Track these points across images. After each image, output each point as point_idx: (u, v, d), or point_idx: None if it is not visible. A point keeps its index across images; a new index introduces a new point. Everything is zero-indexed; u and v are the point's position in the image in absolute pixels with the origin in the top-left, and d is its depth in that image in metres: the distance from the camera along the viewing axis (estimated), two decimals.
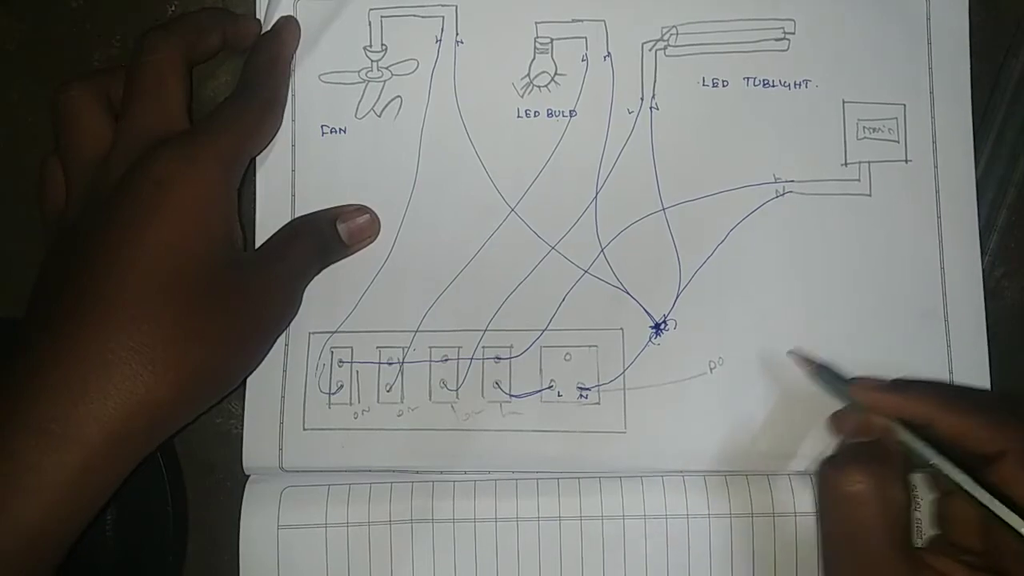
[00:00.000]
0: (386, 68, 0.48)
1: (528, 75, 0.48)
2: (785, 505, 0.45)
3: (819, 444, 0.45)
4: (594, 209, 0.47)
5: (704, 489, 0.45)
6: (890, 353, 0.46)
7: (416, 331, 0.47)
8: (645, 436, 0.46)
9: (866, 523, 0.37)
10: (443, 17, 0.48)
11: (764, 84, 0.48)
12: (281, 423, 0.46)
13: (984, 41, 0.48)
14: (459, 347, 0.47)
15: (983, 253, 0.47)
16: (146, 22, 0.50)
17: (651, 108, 0.48)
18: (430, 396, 0.46)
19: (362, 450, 0.46)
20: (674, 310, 0.47)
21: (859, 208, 0.47)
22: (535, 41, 0.48)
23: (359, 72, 0.48)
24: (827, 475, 0.39)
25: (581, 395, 0.46)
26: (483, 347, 0.47)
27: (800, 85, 0.48)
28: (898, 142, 0.48)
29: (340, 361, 0.47)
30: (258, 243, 0.47)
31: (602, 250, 0.47)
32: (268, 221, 0.47)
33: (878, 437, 0.40)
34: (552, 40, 0.48)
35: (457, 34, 0.48)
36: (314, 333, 0.47)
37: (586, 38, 0.48)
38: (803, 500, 0.45)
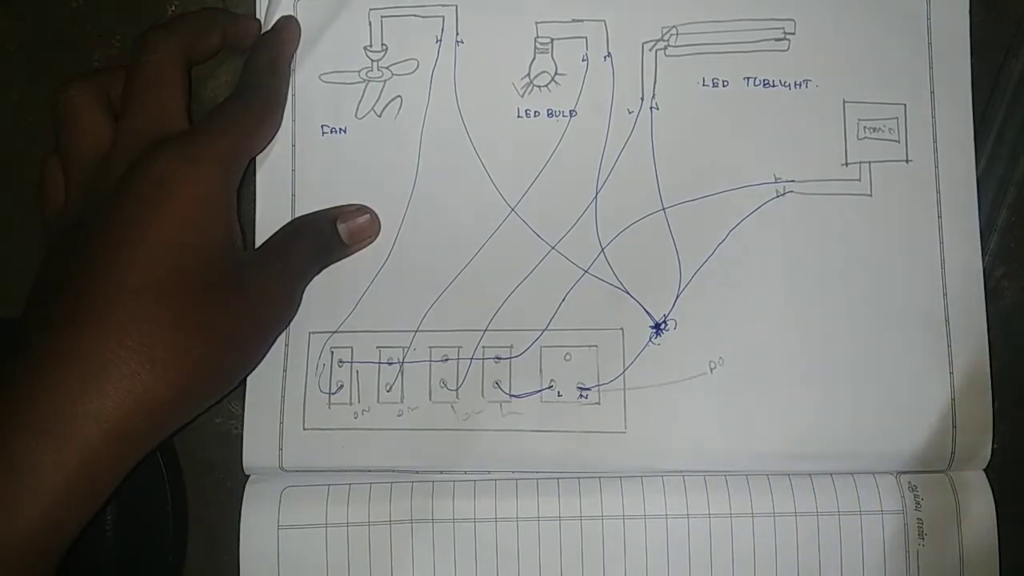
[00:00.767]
0: (386, 68, 0.48)
1: (528, 75, 0.48)
2: (785, 505, 0.45)
3: (819, 445, 0.45)
4: (594, 209, 0.47)
5: (704, 489, 0.45)
6: (890, 353, 0.46)
7: (416, 331, 0.47)
8: (645, 436, 0.46)
9: None
10: (443, 17, 0.48)
11: (764, 84, 0.48)
12: (281, 423, 0.46)
13: (984, 41, 0.49)
14: (459, 347, 0.47)
15: (983, 253, 0.47)
16: (146, 22, 0.50)
17: (651, 108, 0.48)
18: (430, 396, 0.47)
19: (362, 450, 0.46)
20: (674, 310, 0.47)
21: (860, 208, 0.47)
22: (535, 41, 0.48)
23: (359, 72, 0.48)
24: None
25: (581, 395, 0.46)
26: (483, 347, 0.47)
27: (800, 85, 0.48)
28: (899, 142, 0.48)
29: (340, 361, 0.47)
30: (258, 243, 0.47)
31: (602, 250, 0.47)
32: (268, 221, 0.47)
33: None
34: (552, 40, 0.48)
35: (457, 34, 0.48)
36: (314, 333, 0.47)
37: (586, 38, 0.48)
38: (803, 500, 0.45)
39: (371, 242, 0.47)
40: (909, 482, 0.46)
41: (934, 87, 0.48)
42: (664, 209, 0.47)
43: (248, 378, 0.46)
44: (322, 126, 0.48)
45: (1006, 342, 0.47)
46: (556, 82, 0.48)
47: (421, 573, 0.45)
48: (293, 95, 0.48)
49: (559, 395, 0.47)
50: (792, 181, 0.47)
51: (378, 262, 0.47)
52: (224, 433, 0.48)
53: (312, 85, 0.48)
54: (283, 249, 0.45)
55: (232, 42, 0.47)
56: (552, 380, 0.47)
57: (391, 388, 0.47)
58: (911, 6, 0.48)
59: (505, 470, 0.46)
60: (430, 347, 0.47)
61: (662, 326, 0.47)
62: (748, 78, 0.48)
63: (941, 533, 0.45)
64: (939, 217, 0.47)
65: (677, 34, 0.48)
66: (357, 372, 0.47)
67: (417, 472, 0.46)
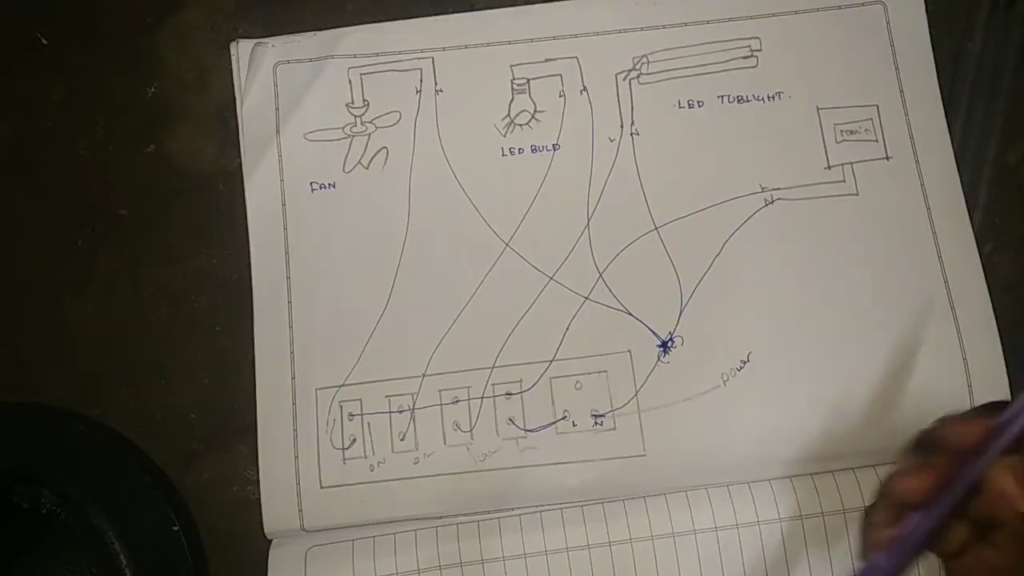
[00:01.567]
0: (369, 122, 0.49)
1: (508, 115, 0.50)
2: (811, 506, 0.45)
3: (839, 444, 0.45)
4: (588, 236, 0.48)
5: (730, 500, 0.45)
6: (900, 345, 0.47)
7: (423, 376, 0.47)
8: (666, 455, 0.46)
9: None
10: (420, 69, 0.50)
11: (738, 100, 0.50)
12: (298, 483, 0.46)
13: (940, 29, 0.50)
14: (468, 387, 0.47)
15: None
16: (127, 108, 0.51)
17: (632, 134, 0.49)
18: (444, 440, 0.46)
19: (382, 502, 0.46)
20: (679, 327, 0.47)
21: (849, 208, 0.48)
22: (512, 83, 0.50)
23: (343, 128, 0.49)
24: None
25: (596, 422, 0.46)
26: (492, 384, 0.47)
27: (773, 98, 0.50)
28: (876, 141, 0.49)
29: (350, 415, 0.47)
30: (256, 303, 0.48)
31: (600, 275, 0.48)
32: (264, 281, 0.48)
33: None
34: (528, 80, 0.50)
35: (436, 83, 0.50)
36: (320, 389, 0.47)
37: (561, 75, 0.50)
38: (829, 499, 0.45)
39: None
40: None
41: (903, 85, 0.50)
42: (657, 228, 0.48)
43: (260, 441, 0.46)
44: (311, 183, 0.49)
45: (1006, 316, 0.48)
46: (536, 119, 0.49)
47: None
48: (280, 155, 0.49)
49: (574, 425, 0.46)
50: (779, 189, 0.48)
51: (377, 311, 0.48)
52: (242, 500, 0.47)
53: (298, 144, 0.49)
54: None
55: None
56: (565, 410, 0.47)
57: (404, 436, 0.46)
58: (870, 12, 0.50)
59: (528, 506, 0.46)
60: (439, 390, 0.47)
61: (669, 344, 0.47)
62: (722, 96, 0.50)
63: None
64: (927, 207, 0.48)
65: (648, 62, 0.50)
66: (368, 424, 0.47)
67: (440, 517, 0.46)
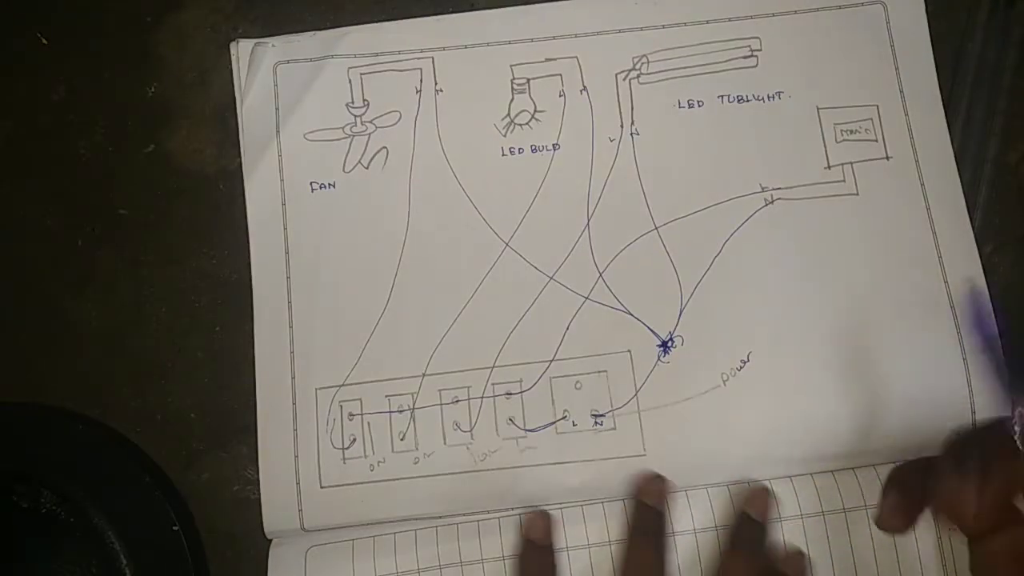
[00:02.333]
0: (369, 122, 0.49)
1: (508, 115, 0.49)
2: (812, 505, 0.44)
3: (840, 443, 0.45)
4: (588, 236, 0.48)
5: (730, 501, 0.45)
6: (901, 345, 0.47)
7: (423, 375, 0.47)
8: (666, 456, 0.46)
9: None
10: (420, 69, 0.50)
11: (738, 100, 0.49)
12: (298, 483, 0.46)
13: (940, 30, 0.50)
14: (468, 387, 0.47)
15: None
16: (128, 109, 0.51)
17: (632, 134, 0.49)
18: (444, 440, 0.46)
19: (382, 502, 0.46)
20: (679, 326, 0.47)
21: (849, 208, 0.48)
22: (512, 82, 0.50)
23: (343, 128, 0.49)
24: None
25: (596, 422, 0.46)
26: (492, 384, 0.47)
27: (773, 97, 0.49)
28: (876, 141, 0.49)
29: (350, 414, 0.47)
30: (256, 304, 0.47)
31: (600, 275, 0.47)
32: (264, 281, 0.48)
33: None
34: (528, 80, 0.50)
35: (436, 83, 0.50)
36: (320, 389, 0.47)
37: (561, 75, 0.50)
38: (829, 499, 0.44)
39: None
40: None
41: (902, 84, 0.49)
42: (657, 228, 0.48)
43: (259, 441, 0.46)
44: (311, 183, 0.49)
45: (1007, 315, 0.47)
46: (536, 119, 0.49)
47: None
48: (280, 155, 0.49)
49: (574, 424, 0.46)
50: (779, 189, 0.48)
51: (377, 311, 0.47)
52: (242, 500, 0.47)
53: (298, 144, 0.49)
54: None
55: None
56: (565, 410, 0.46)
57: (404, 436, 0.46)
58: (869, 11, 0.50)
59: (528, 506, 0.45)
60: (439, 390, 0.47)
61: (669, 344, 0.47)
62: (722, 96, 0.49)
63: None
64: (927, 207, 0.48)
65: (648, 62, 0.50)
66: (368, 424, 0.46)
67: (440, 517, 0.45)
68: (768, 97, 0.49)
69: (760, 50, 0.50)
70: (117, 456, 0.46)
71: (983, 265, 0.48)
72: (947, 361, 0.47)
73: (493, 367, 0.47)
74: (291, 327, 0.47)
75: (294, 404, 0.47)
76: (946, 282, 0.47)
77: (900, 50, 0.50)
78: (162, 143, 0.51)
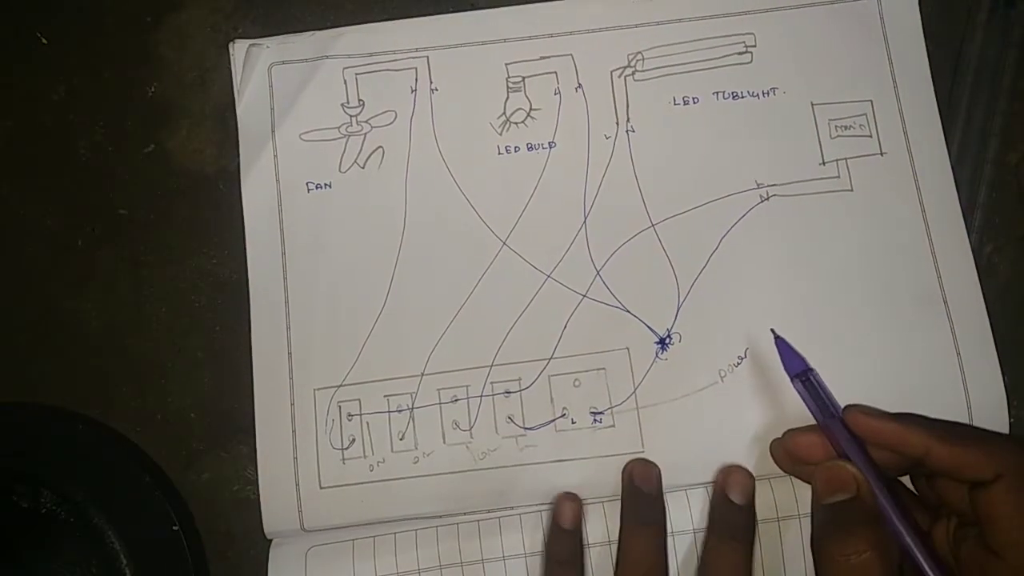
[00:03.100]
0: (365, 122, 0.46)
1: (504, 113, 0.47)
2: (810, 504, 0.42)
3: None
4: (584, 234, 0.45)
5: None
6: (896, 341, 0.44)
7: (422, 375, 0.44)
8: (664, 453, 0.43)
9: None
10: (415, 68, 0.47)
11: (733, 96, 0.47)
12: (297, 484, 0.43)
13: (940, 30, 0.47)
14: (467, 386, 0.44)
15: (970, 232, 0.45)
16: (128, 108, 0.48)
17: (627, 131, 0.46)
18: (444, 439, 0.44)
19: (382, 502, 0.43)
20: (676, 323, 0.44)
21: (843, 204, 0.46)
22: (507, 81, 0.47)
23: (339, 128, 0.46)
24: (828, 548, 0.36)
25: (595, 420, 0.44)
26: (491, 383, 0.44)
27: (768, 93, 0.47)
28: (871, 136, 0.46)
29: (349, 415, 0.44)
30: (253, 304, 0.45)
31: (597, 273, 0.45)
32: (261, 282, 0.45)
33: (853, 495, 0.37)
34: (524, 78, 0.47)
35: (431, 82, 0.47)
36: (319, 389, 0.44)
37: (556, 73, 0.47)
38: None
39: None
40: None
41: (896, 80, 0.47)
42: (653, 226, 0.45)
43: (258, 442, 0.44)
44: (307, 183, 0.46)
45: (1004, 317, 0.45)
46: (532, 117, 0.47)
47: None
48: (275, 156, 0.46)
49: (573, 422, 0.44)
50: (774, 185, 0.46)
51: (375, 311, 0.45)
52: (241, 500, 0.44)
53: (294, 144, 0.46)
54: None
55: None
56: (564, 408, 0.44)
57: (404, 436, 0.44)
58: (863, 6, 0.47)
59: (528, 504, 0.43)
60: (438, 389, 0.44)
61: (667, 341, 0.44)
62: (717, 92, 0.47)
63: None
64: (921, 202, 0.45)
65: (643, 59, 0.47)
66: (367, 424, 0.44)
67: (440, 516, 0.43)
68: (763, 93, 0.47)
69: (755, 46, 0.47)
70: (117, 456, 0.44)
71: (982, 264, 0.45)
72: (941, 354, 0.44)
73: (492, 366, 0.44)
74: (288, 328, 0.45)
75: (292, 405, 0.44)
76: (939, 277, 0.45)
77: (894, 45, 0.47)
78: (162, 143, 0.48)
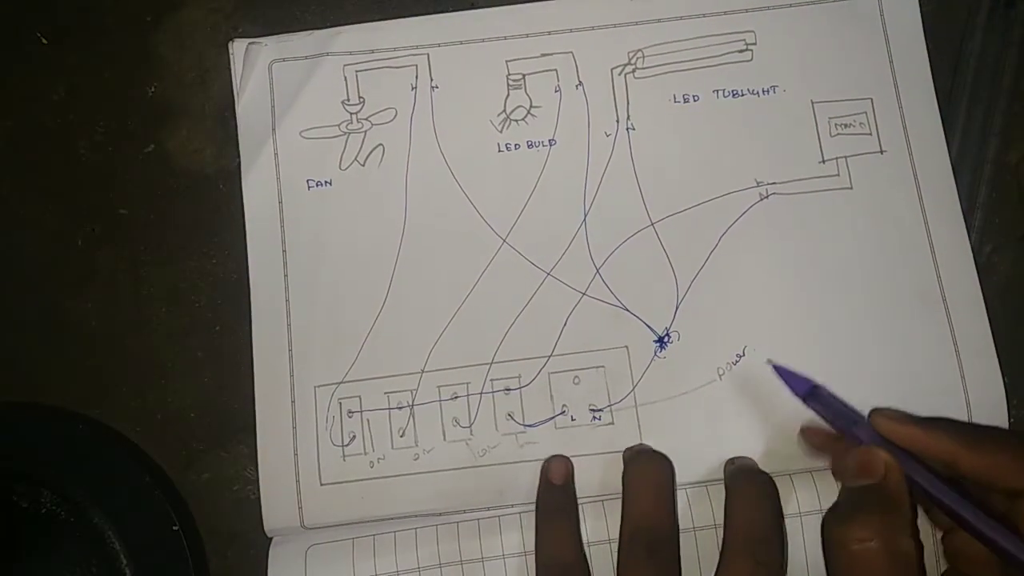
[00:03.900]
0: (365, 119, 0.44)
1: (504, 111, 0.44)
2: (810, 502, 0.39)
3: None
4: (584, 232, 0.43)
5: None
6: (895, 339, 0.42)
7: (422, 372, 0.42)
8: (663, 450, 0.40)
9: None
10: (416, 65, 0.44)
11: (733, 94, 0.44)
12: (297, 481, 0.41)
13: (940, 28, 0.45)
14: (467, 383, 0.42)
15: (970, 232, 0.43)
16: (128, 109, 0.46)
17: (628, 129, 0.44)
18: (444, 436, 0.41)
19: (382, 499, 0.41)
20: (675, 322, 0.42)
21: (843, 202, 0.43)
22: (507, 78, 0.44)
23: (339, 125, 0.44)
24: (832, 530, 0.33)
25: (594, 417, 0.41)
26: (491, 380, 0.42)
27: (768, 91, 0.44)
28: (871, 134, 0.44)
29: (349, 411, 0.41)
30: (254, 302, 0.43)
31: (597, 271, 0.42)
32: (261, 279, 0.43)
33: (880, 480, 0.33)
34: (524, 76, 0.44)
35: (431, 79, 0.44)
36: (319, 386, 0.42)
37: (556, 70, 0.44)
38: (828, 495, 0.39)
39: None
40: None
41: (896, 78, 0.44)
42: (653, 224, 0.43)
43: (259, 439, 0.41)
44: (307, 180, 0.43)
45: (1004, 316, 0.42)
46: (532, 114, 0.44)
47: None
48: (276, 153, 0.44)
49: (572, 419, 0.41)
50: (774, 183, 0.43)
51: (375, 308, 0.42)
52: (242, 499, 0.42)
53: (294, 142, 0.44)
54: None
55: None
56: (564, 405, 0.41)
57: (404, 433, 0.41)
58: (864, 3, 0.45)
59: (528, 502, 0.40)
60: (438, 387, 0.42)
61: (665, 339, 0.42)
62: (717, 90, 0.44)
63: None
64: (920, 201, 0.43)
65: (643, 56, 0.44)
66: (368, 421, 0.41)
67: (440, 515, 0.40)
68: (763, 91, 0.44)
69: (755, 44, 0.44)
70: (117, 456, 0.41)
71: (983, 264, 0.43)
72: (940, 353, 0.42)
73: (492, 363, 0.42)
74: (289, 325, 0.42)
75: (293, 402, 0.41)
76: (939, 275, 0.42)
77: (894, 43, 0.44)
78: (162, 143, 0.45)
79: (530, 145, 0.44)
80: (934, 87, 0.44)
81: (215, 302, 0.44)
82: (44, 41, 0.47)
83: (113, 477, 0.41)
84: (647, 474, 0.38)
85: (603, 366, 0.42)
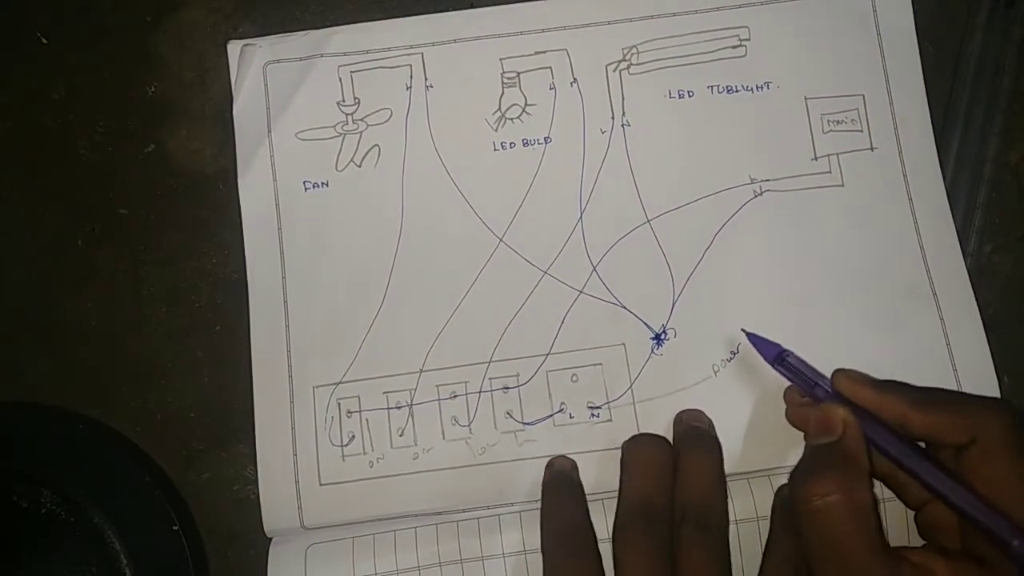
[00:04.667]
0: (361, 120, 0.41)
1: (499, 109, 0.42)
2: None
3: None
4: (581, 230, 0.40)
5: (729, 494, 0.37)
6: (886, 335, 0.40)
7: (421, 371, 0.39)
8: None
9: (839, 533, 0.31)
10: (410, 65, 0.42)
11: (727, 90, 0.42)
12: (297, 481, 0.39)
13: (939, 29, 0.42)
14: (466, 382, 0.40)
15: (970, 232, 0.41)
16: (128, 109, 0.43)
17: (623, 126, 0.41)
18: (443, 435, 0.39)
19: (382, 498, 0.39)
20: (672, 319, 0.40)
21: (834, 199, 0.41)
22: (502, 76, 0.42)
23: (335, 126, 0.41)
24: (795, 489, 0.32)
25: (592, 414, 0.39)
26: (490, 379, 0.39)
27: (762, 88, 0.42)
28: (862, 131, 0.41)
29: (348, 411, 0.39)
30: (252, 303, 0.40)
31: (594, 269, 0.40)
32: (259, 281, 0.41)
33: (838, 438, 0.33)
34: (518, 73, 0.42)
35: (426, 79, 0.42)
36: (318, 387, 0.40)
37: (551, 67, 0.42)
38: None
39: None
40: None
41: (888, 75, 0.42)
42: (649, 221, 0.40)
43: (258, 439, 0.39)
44: (304, 182, 0.41)
45: (1005, 317, 0.40)
46: (527, 112, 0.42)
47: None
48: (272, 155, 0.41)
49: (571, 417, 0.39)
50: (767, 180, 0.41)
51: (373, 308, 0.40)
52: (242, 500, 0.40)
53: (290, 143, 0.41)
54: None
55: None
56: (562, 403, 0.39)
57: (403, 432, 0.39)
58: (857, 1, 0.42)
59: (527, 500, 0.39)
60: (437, 386, 0.39)
61: (662, 336, 0.40)
62: (711, 86, 0.42)
63: None
64: (909, 198, 0.41)
65: (638, 52, 0.42)
66: (367, 420, 0.39)
67: (439, 513, 0.38)
68: (757, 87, 0.42)
69: (748, 40, 0.42)
70: (117, 456, 0.39)
71: (983, 264, 0.41)
72: (931, 348, 0.39)
73: (490, 362, 0.40)
74: (287, 326, 0.40)
75: (292, 402, 0.39)
76: (928, 272, 0.40)
77: (886, 39, 0.42)
78: (162, 143, 0.43)
79: (525, 143, 0.41)
80: (934, 87, 0.42)
81: (215, 302, 0.41)
82: (44, 41, 0.44)
83: (113, 477, 0.39)
84: (645, 453, 0.37)
85: (601, 364, 0.40)
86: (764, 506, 0.37)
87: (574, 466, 0.38)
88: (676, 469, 0.36)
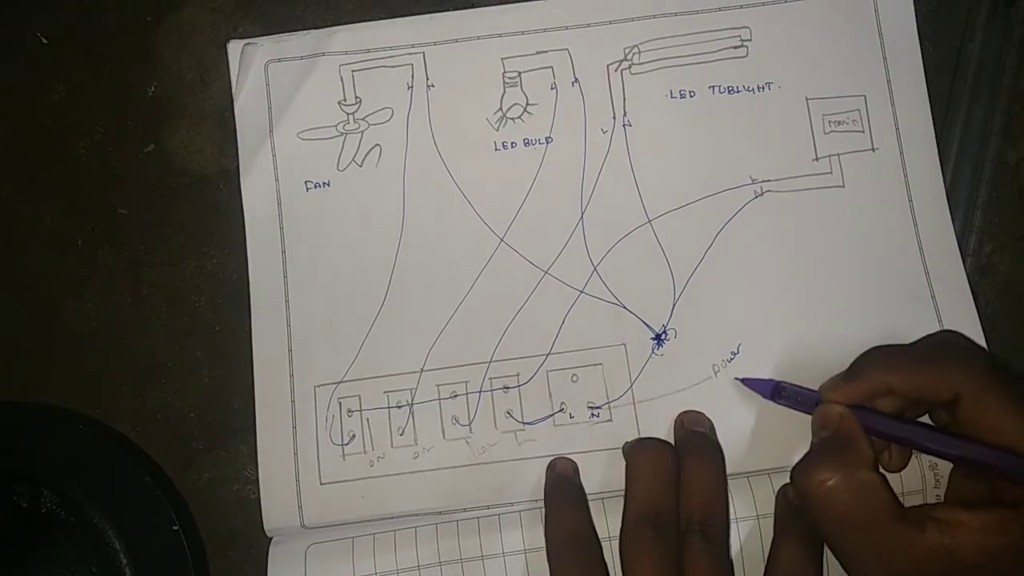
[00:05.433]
0: (362, 119, 0.40)
1: (501, 109, 0.40)
2: None
3: None
4: (582, 230, 0.39)
5: (729, 494, 0.36)
6: (886, 336, 0.38)
7: (421, 371, 0.38)
8: None
9: (849, 511, 0.31)
10: (412, 64, 0.41)
11: (729, 91, 0.40)
12: (297, 481, 0.38)
13: (939, 29, 0.41)
14: (466, 381, 0.38)
15: (970, 232, 0.40)
16: (128, 109, 0.42)
17: (624, 125, 0.40)
18: (443, 434, 0.38)
19: (382, 497, 0.37)
20: (672, 319, 0.39)
21: (835, 200, 0.40)
22: (503, 76, 0.41)
23: (336, 126, 0.40)
24: (799, 481, 0.32)
25: (592, 414, 0.38)
26: (490, 379, 0.38)
27: (763, 88, 0.41)
28: (863, 132, 0.40)
29: (349, 411, 0.38)
30: (253, 302, 0.39)
31: (595, 269, 0.39)
32: (261, 280, 0.39)
33: (835, 429, 0.33)
34: (520, 73, 0.41)
35: (427, 78, 0.41)
36: (319, 386, 0.38)
37: (552, 67, 0.41)
38: None
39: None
40: (930, 462, 0.37)
41: (890, 75, 0.41)
42: (650, 221, 0.39)
43: (259, 438, 0.38)
44: (305, 182, 0.40)
45: (1006, 317, 0.39)
46: (529, 112, 0.40)
47: None
48: (274, 155, 0.40)
49: (571, 417, 0.38)
50: (768, 181, 0.40)
51: (374, 308, 0.39)
52: (242, 499, 0.39)
53: (291, 143, 0.40)
54: None
55: None
56: (562, 403, 0.38)
57: (404, 431, 0.38)
58: (859, 1, 0.41)
59: (527, 499, 0.37)
60: (437, 385, 0.38)
61: (663, 336, 0.38)
62: (713, 86, 0.41)
63: None
64: (910, 200, 0.40)
65: (639, 52, 0.41)
66: (368, 420, 0.38)
67: (440, 513, 0.37)
68: (758, 88, 0.40)
69: (750, 40, 0.41)
70: (117, 456, 0.38)
71: (983, 264, 0.40)
72: None
73: (491, 361, 0.38)
74: (289, 325, 0.39)
75: (293, 402, 0.38)
76: (927, 274, 0.39)
77: (888, 39, 0.41)
78: (162, 143, 0.42)
79: (527, 143, 0.40)
80: (935, 86, 0.41)
81: (215, 302, 0.40)
82: (44, 41, 0.43)
83: (113, 477, 0.37)
84: (651, 459, 0.36)
85: (601, 364, 0.38)
86: (764, 504, 0.36)
87: (575, 468, 0.37)
88: (679, 475, 0.35)
